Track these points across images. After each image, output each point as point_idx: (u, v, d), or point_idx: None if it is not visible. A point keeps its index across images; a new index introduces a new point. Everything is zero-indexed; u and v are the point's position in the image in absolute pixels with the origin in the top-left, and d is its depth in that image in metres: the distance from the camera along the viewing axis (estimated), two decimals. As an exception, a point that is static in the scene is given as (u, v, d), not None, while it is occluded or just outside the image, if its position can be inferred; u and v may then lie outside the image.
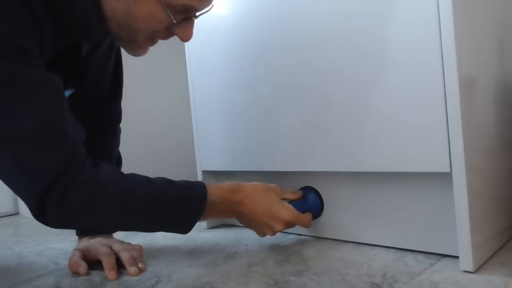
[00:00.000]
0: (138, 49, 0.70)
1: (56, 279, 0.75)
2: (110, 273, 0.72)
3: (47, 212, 0.61)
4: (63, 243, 1.01)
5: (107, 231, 0.83)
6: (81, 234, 0.84)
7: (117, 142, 0.92)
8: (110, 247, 0.77)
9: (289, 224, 0.79)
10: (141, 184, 0.69)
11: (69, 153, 0.62)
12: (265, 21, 0.87)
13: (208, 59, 0.99)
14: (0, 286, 0.75)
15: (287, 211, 0.79)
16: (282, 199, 0.81)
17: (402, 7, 0.67)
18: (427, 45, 0.65)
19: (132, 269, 0.73)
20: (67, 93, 0.85)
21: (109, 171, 0.67)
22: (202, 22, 1.00)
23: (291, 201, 0.85)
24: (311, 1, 0.79)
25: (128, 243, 0.80)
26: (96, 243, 0.78)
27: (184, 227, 0.74)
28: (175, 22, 0.64)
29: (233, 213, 0.78)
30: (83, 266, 0.75)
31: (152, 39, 0.69)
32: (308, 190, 0.88)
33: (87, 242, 0.80)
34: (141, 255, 0.78)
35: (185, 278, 0.70)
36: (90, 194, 0.63)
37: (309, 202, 0.86)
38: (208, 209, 0.73)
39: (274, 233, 0.80)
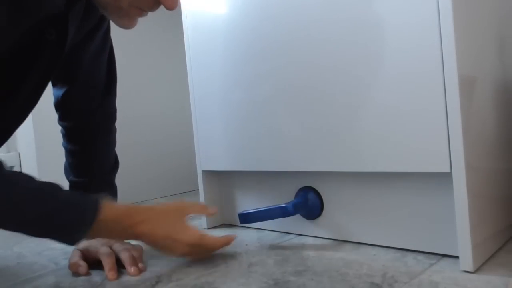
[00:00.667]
0: (125, 18, 0.66)
1: (56, 279, 0.75)
2: (110, 273, 0.72)
3: None
4: (63, 243, 1.01)
5: None
6: None
7: (112, 141, 0.91)
8: (110, 247, 0.77)
9: (194, 247, 0.73)
10: (20, 187, 0.61)
11: None
12: (265, 21, 0.87)
13: (209, 58, 0.99)
14: (0, 286, 0.75)
15: (189, 235, 0.73)
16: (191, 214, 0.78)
17: (402, 7, 0.67)
18: (427, 45, 0.65)
19: (132, 269, 0.73)
20: (61, 91, 0.84)
21: None
22: (202, 22, 1.00)
23: (289, 202, 0.85)
24: (312, 3, 0.79)
25: (128, 243, 0.80)
26: (96, 243, 0.78)
27: (67, 240, 0.67)
28: None
29: (132, 235, 0.71)
30: (83, 266, 0.75)
31: (139, 9, 0.65)
32: (307, 190, 0.88)
33: (87, 242, 0.79)
34: (141, 255, 0.78)
35: (185, 278, 0.70)
36: None
37: (309, 202, 0.86)
38: (96, 228, 0.65)
39: (180, 255, 0.76)
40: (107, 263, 0.74)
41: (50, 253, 0.93)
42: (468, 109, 0.64)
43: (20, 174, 0.64)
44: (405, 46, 0.67)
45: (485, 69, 0.72)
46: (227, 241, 0.79)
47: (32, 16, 0.63)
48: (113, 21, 0.68)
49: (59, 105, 0.86)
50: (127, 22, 0.66)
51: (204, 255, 0.78)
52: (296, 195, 0.89)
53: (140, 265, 0.75)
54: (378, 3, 0.70)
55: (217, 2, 0.96)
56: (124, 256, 0.75)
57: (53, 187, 0.64)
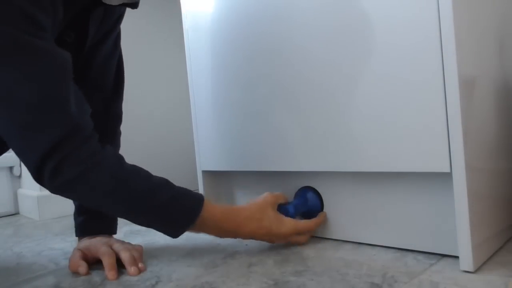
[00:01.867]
0: None
1: (56, 279, 0.75)
2: (110, 273, 0.72)
3: (44, 179, 0.65)
4: (63, 243, 1.01)
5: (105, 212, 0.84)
6: (81, 234, 0.84)
7: (117, 144, 0.92)
8: (111, 247, 0.77)
9: (291, 235, 0.81)
10: (138, 177, 0.70)
11: (67, 129, 0.64)
12: (265, 21, 0.87)
13: (208, 59, 0.99)
14: (0, 286, 0.75)
15: (285, 227, 0.79)
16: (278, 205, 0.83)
17: (402, 7, 0.67)
18: (427, 45, 0.65)
19: (132, 269, 0.73)
20: None
21: (111, 156, 0.69)
22: (202, 23, 1.00)
23: (289, 203, 0.85)
24: (311, 2, 0.79)
25: (128, 243, 0.80)
26: (97, 243, 0.78)
27: (171, 233, 0.75)
28: None
29: (233, 235, 0.79)
30: (83, 266, 0.75)
31: None
32: (307, 190, 0.88)
33: (88, 242, 0.80)
34: (141, 255, 0.78)
35: (185, 278, 0.70)
36: (82, 172, 0.65)
37: (309, 202, 0.86)
38: (199, 224, 0.74)
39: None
40: (107, 263, 0.74)
41: (50, 253, 0.93)
42: (468, 109, 0.64)
43: (136, 167, 0.72)
44: (405, 46, 0.67)
45: (485, 69, 0.72)
46: (319, 222, 0.84)
47: (73, 6, 0.69)
48: None
49: None
50: None
51: (303, 239, 0.83)
52: (296, 195, 0.89)
53: (140, 265, 0.75)
54: (378, 3, 0.70)
55: (217, 3, 0.96)
56: (124, 256, 0.75)
57: (163, 182, 0.72)
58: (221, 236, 0.80)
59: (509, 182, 0.77)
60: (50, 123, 0.63)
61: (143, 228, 0.80)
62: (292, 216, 0.83)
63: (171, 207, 0.72)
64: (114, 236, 0.85)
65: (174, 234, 0.75)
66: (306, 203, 0.86)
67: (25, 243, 1.04)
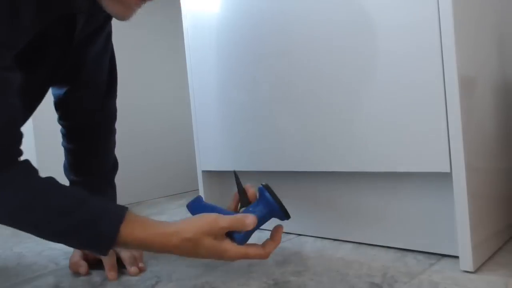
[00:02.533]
0: (120, 5, 0.63)
1: (56, 279, 0.75)
2: (111, 273, 0.72)
3: None
4: (63, 243, 1.01)
5: None
6: None
7: (113, 142, 0.92)
8: None
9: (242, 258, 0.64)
10: (45, 196, 0.59)
11: None
12: (265, 21, 0.87)
13: (208, 59, 0.99)
14: (0, 286, 0.75)
15: (230, 255, 0.62)
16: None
17: (402, 8, 0.67)
18: (427, 45, 0.65)
19: (132, 269, 0.73)
20: (62, 90, 0.84)
21: (19, 173, 0.59)
22: (202, 22, 1.00)
23: (245, 208, 0.70)
24: (311, 3, 0.79)
25: None
26: None
27: (96, 252, 0.66)
28: None
29: (167, 252, 0.63)
30: (83, 266, 0.75)
31: None
32: (262, 190, 0.69)
33: None
34: (142, 255, 0.78)
35: (185, 278, 0.70)
36: None
37: (265, 205, 0.67)
38: (123, 244, 0.61)
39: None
40: (108, 263, 0.74)
41: (50, 253, 0.93)
42: (468, 109, 0.64)
43: (51, 185, 0.61)
44: (406, 46, 0.67)
45: (485, 69, 0.72)
46: (273, 248, 0.66)
47: (53, 11, 0.63)
48: (108, 9, 0.64)
49: (60, 104, 0.86)
50: (122, 10, 0.63)
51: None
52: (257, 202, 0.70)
53: (140, 264, 0.75)
54: (379, 3, 0.70)
55: (217, 3, 0.96)
56: (125, 255, 0.75)
57: (79, 200, 0.60)
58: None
59: (509, 182, 0.77)
60: None
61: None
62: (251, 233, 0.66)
63: (85, 231, 0.59)
64: None
65: (99, 252, 0.64)
66: (263, 207, 0.67)
67: (25, 243, 1.04)
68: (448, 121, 0.63)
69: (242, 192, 0.71)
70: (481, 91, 0.69)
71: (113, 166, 0.91)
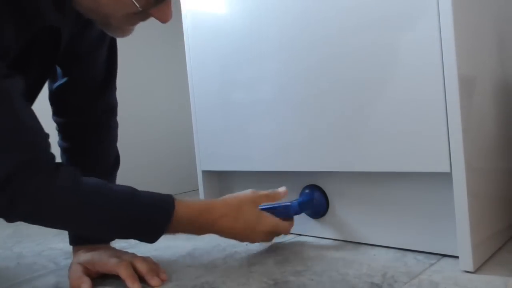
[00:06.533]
0: (118, 31, 0.66)
1: (56, 279, 0.75)
2: (135, 285, 0.67)
3: (1, 210, 0.60)
4: (63, 243, 1.00)
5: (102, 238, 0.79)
6: (75, 243, 0.79)
7: (113, 137, 0.87)
8: (119, 258, 0.72)
9: (270, 234, 0.79)
10: (99, 197, 0.65)
11: (19, 159, 0.58)
12: (265, 21, 0.87)
13: (209, 58, 0.99)
14: (0, 286, 0.75)
15: (265, 223, 0.77)
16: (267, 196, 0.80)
17: (402, 8, 0.67)
18: (427, 45, 0.65)
19: (154, 280, 0.69)
20: (56, 84, 0.80)
21: (67, 181, 0.62)
22: (202, 23, 1.00)
23: (294, 200, 0.85)
24: (313, 3, 0.79)
25: (133, 254, 0.75)
26: (102, 256, 0.73)
27: (148, 240, 0.69)
28: (138, 7, 0.60)
29: (210, 231, 0.74)
30: (86, 283, 0.69)
31: (129, 21, 0.64)
32: (313, 188, 0.87)
33: (89, 255, 0.74)
34: (159, 265, 0.73)
35: (185, 278, 0.70)
36: (37, 204, 0.60)
37: (315, 201, 0.86)
38: (173, 227, 0.69)
39: (259, 242, 0.80)
40: (127, 274, 0.68)
41: (50, 253, 0.93)
42: (468, 109, 0.64)
43: (100, 183, 0.66)
44: (405, 46, 0.67)
45: (485, 69, 0.72)
46: (292, 224, 0.82)
47: (32, 25, 0.64)
48: (107, 32, 0.67)
49: (55, 99, 0.82)
50: (120, 33, 0.67)
51: (280, 234, 0.82)
52: (301, 194, 0.89)
53: (162, 275, 0.70)
54: (378, 3, 0.70)
55: (217, 3, 0.96)
56: (142, 267, 0.70)
57: (128, 195, 0.67)
58: (197, 234, 0.74)
59: (509, 182, 0.77)
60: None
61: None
62: (297, 214, 0.83)
63: (143, 217, 0.66)
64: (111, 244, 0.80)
65: (152, 240, 0.69)
66: (312, 202, 0.86)
67: (25, 243, 1.04)
68: (448, 121, 0.63)
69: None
70: (481, 91, 0.69)
71: (115, 161, 0.87)
